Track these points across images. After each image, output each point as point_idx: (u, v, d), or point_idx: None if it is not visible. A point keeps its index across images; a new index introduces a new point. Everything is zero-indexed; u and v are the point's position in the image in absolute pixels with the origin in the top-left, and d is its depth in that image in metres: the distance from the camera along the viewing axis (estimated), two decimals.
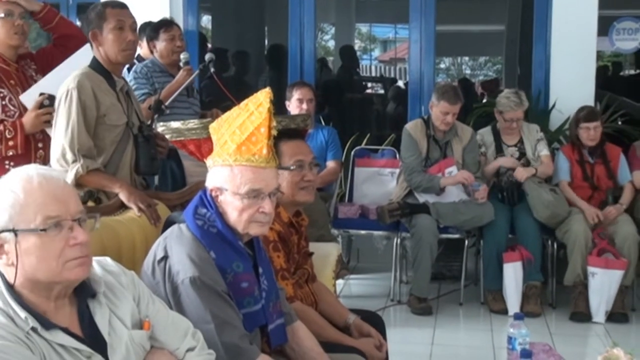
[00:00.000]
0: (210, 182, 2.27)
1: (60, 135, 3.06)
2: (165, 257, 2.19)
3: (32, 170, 1.78)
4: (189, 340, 1.98)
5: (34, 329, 1.71)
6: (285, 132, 2.72)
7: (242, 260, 2.26)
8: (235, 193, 2.22)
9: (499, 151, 5.21)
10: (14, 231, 1.72)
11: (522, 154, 5.19)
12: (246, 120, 2.20)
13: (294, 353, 2.47)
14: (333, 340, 2.71)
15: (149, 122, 3.44)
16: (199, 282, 2.13)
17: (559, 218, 4.91)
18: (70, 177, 2.95)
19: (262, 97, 2.22)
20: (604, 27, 6.01)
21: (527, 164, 5.11)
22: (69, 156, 3.02)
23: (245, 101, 2.26)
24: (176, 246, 2.19)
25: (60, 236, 1.74)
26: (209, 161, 2.29)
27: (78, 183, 2.99)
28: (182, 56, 4.57)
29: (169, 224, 2.35)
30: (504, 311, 4.86)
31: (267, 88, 2.24)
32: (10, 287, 1.75)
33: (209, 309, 2.12)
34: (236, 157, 2.20)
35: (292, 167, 2.72)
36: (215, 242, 2.23)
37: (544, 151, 5.14)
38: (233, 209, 2.23)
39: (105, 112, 3.13)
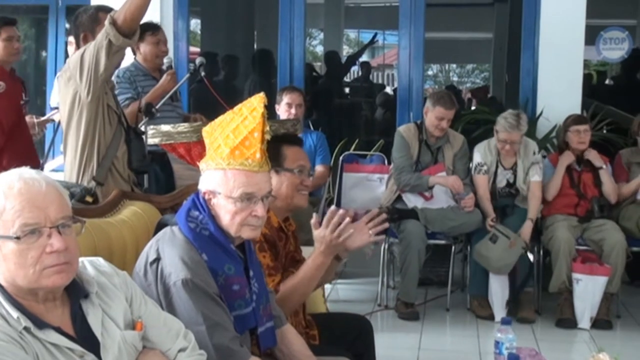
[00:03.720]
0: (204, 185, 2.28)
1: None
2: (157, 259, 2.20)
3: (16, 175, 1.78)
4: (181, 341, 1.99)
5: (26, 329, 1.72)
6: (288, 137, 2.82)
7: (233, 263, 2.27)
8: (228, 196, 2.23)
9: (495, 174, 5.10)
10: None
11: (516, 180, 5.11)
12: (240, 124, 2.22)
13: (283, 355, 2.48)
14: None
15: (138, 125, 3.47)
16: (190, 284, 2.14)
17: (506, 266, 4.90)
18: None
19: (256, 102, 2.23)
20: (591, 36, 6.08)
21: (516, 193, 5.07)
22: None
23: (239, 105, 2.28)
24: (168, 248, 2.21)
25: (38, 244, 1.74)
26: (202, 164, 2.30)
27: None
28: (165, 60, 4.55)
29: (161, 226, 2.37)
30: (490, 317, 4.88)
31: (261, 93, 2.26)
32: (2, 288, 1.76)
33: (200, 310, 2.13)
34: (229, 160, 2.22)
35: (295, 170, 2.77)
36: (207, 244, 2.24)
37: (535, 177, 5.01)
38: (226, 212, 2.24)
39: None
